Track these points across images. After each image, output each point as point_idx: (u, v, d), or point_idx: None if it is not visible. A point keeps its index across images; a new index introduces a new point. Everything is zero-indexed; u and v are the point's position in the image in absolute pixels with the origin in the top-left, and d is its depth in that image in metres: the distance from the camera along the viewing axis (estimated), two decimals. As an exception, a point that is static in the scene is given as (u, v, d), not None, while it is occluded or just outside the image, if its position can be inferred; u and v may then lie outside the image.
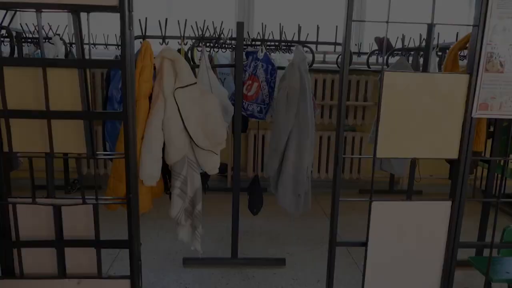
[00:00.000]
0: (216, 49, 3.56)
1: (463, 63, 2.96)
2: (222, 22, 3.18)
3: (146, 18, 2.69)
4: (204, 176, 2.45)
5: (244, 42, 2.74)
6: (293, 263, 2.89)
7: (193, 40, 2.99)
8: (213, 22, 3.18)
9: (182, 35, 2.71)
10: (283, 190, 2.69)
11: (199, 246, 2.47)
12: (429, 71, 1.63)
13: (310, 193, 2.74)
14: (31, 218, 1.78)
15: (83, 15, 1.61)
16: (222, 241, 3.20)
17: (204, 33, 3.03)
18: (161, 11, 4.17)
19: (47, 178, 1.81)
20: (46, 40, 3.33)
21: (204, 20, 3.06)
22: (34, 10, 1.56)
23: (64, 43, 3.44)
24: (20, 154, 1.76)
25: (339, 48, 3.41)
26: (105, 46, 3.90)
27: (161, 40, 2.72)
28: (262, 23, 3.19)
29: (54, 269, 1.82)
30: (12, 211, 1.75)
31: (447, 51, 2.79)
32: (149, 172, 2.11)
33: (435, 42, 3.19)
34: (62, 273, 1.82)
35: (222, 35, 3.12)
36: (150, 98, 2.16)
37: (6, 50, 3.36)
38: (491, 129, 2.81)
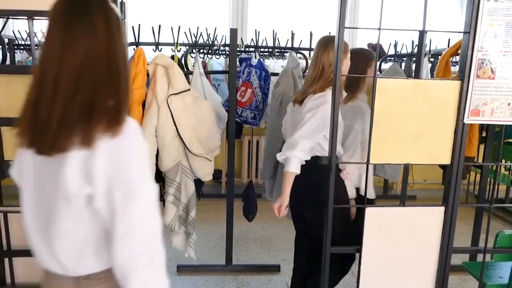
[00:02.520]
0: (209, 56, 3.57)
1: (455, 69, 2.99)
2: (215, 28, 3.19)
3: (139, 25, 2.69)
4: (198, 182, 2.44)
5: (238, 49, 2.75)
6: (288, 269, 2.87)
7: (187, 47, 2.99)
8: (206, 28, 3.19)
9: (176, 41, 2.71)
10: (278, 196, 2.68)
11: (193, 253, 2.45)
12: (421, 77, 1.64)
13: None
14: (23, 227, 1.76)
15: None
16: (216, 248, 3.19)
17: (197, 39, 3.04)
18: (154, 18, 4.17)
19: (39, 186, 1.79)
20: (39, 47, 3.31)
21: (198, 27, 3.06)
22: (26, 17, 1.56)
23: (57, 49, 3.43)
24: (12, 162, 1.75)
25: (332, 54, 3.42)
26: (98, 53, 3.89)
27: (154, 47, 2.72)
28: (256, 30, 3.21)
29: (46, 278, 1.80)
30: (3, 219, 1.73)
31: (439, 57, 2.82)
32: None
33: (427, 49, 3.22)
34: (54, 282, 1.79)
35: (215, 42, 3.12)
36: (143, 104, 2.16)
37: (-2, 57, 3.34)
38: (484, 134, 2.83)
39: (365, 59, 2.17)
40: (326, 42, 1.91)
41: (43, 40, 0.89)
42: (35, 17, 1.57)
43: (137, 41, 2.67)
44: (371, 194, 2.21)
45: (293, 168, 1.82)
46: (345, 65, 1.91)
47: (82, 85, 0.86)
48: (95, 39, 0.88)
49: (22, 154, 0.96)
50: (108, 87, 0.90)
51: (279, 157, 1.88)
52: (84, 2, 0.88)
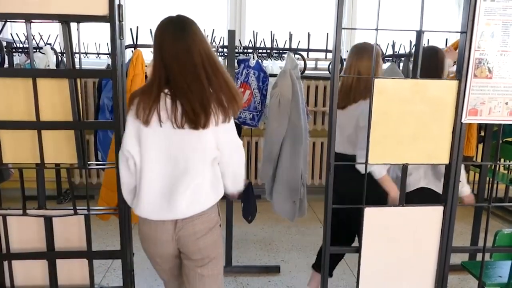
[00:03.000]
0: (208, 57, 3.56)
1: (452, 69, 2.99)
2: (213, 30, 3.19)
3: (137, 27, 2.69)
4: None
5: (236, 50, 2.75)
6: (288, 270, 2.88)
7: (185, 49, 2.98)
8: (204, 30, 3.17)
9: (174, 43, 2.71)
10: (278, 196, 2.68)
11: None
12: (419, 77, 1.64)
13: (305, 199, 2.73)
14: (22, 230, 1.76)
15: (73, 25, 1.61)
16: (216, 249, 3.18)
17: (195, 41, 3.03)
18: (152, 20, 4.17)
19: (38, 189, 1.79)
20: (37, 50, 3.31)
21: (196, 29, 3.06)
22: (24, 20, 1.56)
23: (55, 52, 3.43)
24: (11, 165, 1.75)
25: (330, 55, 3.43)
26: (96, 55, 3.89)
27: (152, 49, 2.71)
28: (254, 31, 3.21)
29: (46, 281, 1.80)
30: (2, 222, 1.73)
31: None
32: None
33: (425, 48, 3.21)
34: (54, 285, 1.79)
35: (213, 43, 3.13)
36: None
37: (-4, 60, 3.33)
38: (482, 133, 2.84)
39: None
40: (358, 50, 2.10)
41: (158, 53, 1.47)
42: (33, 20, 1.57)
43: (135, 43, 2.67)
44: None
45: (384, 171, 1.96)
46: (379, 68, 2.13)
47: (212, 79, 1.36)
48: (200, 41, 1.41)
49: (145, 133, 1.35)
50: (223, 83, 1.38)
51: (363, 170, 1.79)
52: (186, 24, 1.48)
